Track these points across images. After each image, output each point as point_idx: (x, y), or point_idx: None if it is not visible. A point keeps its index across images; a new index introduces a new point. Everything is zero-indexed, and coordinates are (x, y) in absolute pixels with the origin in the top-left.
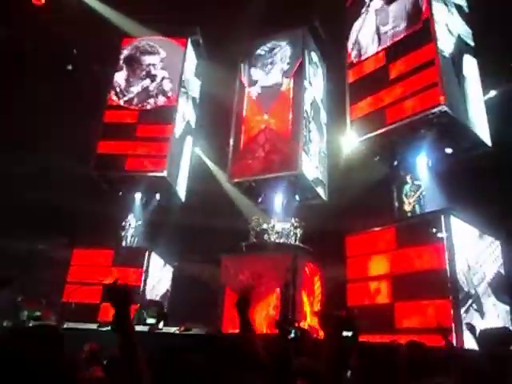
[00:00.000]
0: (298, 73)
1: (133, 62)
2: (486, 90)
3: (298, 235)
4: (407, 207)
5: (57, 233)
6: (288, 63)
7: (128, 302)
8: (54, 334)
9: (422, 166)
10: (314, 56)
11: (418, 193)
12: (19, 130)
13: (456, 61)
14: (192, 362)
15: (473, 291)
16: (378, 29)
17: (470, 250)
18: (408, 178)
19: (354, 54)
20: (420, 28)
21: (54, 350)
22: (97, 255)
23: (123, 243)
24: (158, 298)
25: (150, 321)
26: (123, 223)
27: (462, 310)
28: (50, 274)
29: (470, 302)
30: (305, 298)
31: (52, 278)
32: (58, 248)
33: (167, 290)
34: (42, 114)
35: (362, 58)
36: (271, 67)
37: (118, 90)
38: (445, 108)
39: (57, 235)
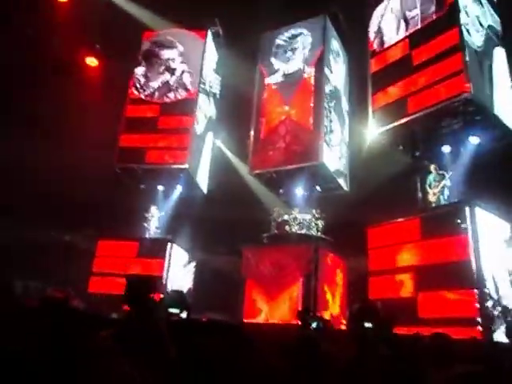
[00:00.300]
0: (318, 61)
1: (152, 57)
2: None
3: (320, 226)
4: (431, 198)
5: (83, 224)
6: (309, 51)
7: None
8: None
9: (447, 156)
10: (335, 44)
11: (442, 183)
12: (45, 123)
13: (483, 48)
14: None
15: (501, 286)
16: (404, 14)
17: (497, 242)
18: (432, 168)
19: (376, 42)
20: (445, 13)
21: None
22: (121, 246)
23: (146, 235)
24: (181, 289)
25: (173, 310)
26: (146, 215)
27: (490, 304)
28: (76, 265)
29: (497, 296)
30: (326, 289)
31: (79, 269)
32: (84, 239)
33: (190, 281)
34: (68, 107)
35: (385, 45)
36: (292, 55)
37: (138, 84)
38: (470, 96)
39: (83, 227)
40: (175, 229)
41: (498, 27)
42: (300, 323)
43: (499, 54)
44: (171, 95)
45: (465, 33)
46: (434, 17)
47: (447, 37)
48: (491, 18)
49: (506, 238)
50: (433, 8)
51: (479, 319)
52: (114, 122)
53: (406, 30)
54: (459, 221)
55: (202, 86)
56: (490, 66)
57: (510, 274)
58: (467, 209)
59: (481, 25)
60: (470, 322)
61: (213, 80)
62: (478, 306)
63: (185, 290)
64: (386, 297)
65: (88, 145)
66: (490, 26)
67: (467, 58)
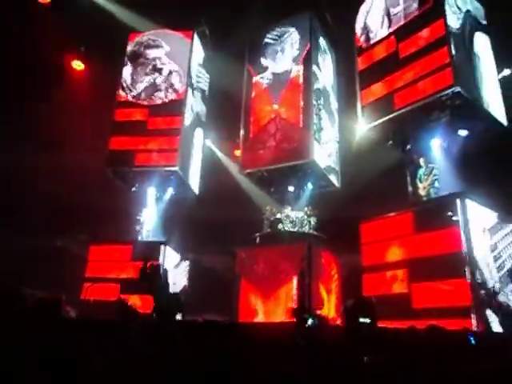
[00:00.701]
0: (306, 59)
1: (138, 57)
2: (499, 68)
3: (312, 223)
4: (422, 191)
5: (74, 229)
6: (296, 49)
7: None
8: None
9: (436, 150)
10: (322, 41)
11: (432, 176)
12: (36, 128)
13: (467, 39)
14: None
15: (493, 276)
16: (387, 10)
17: (488, 234)
18: (421, 162)
19: (362, 38)
20: (430, 7)
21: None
22: (113, 250)
23: (139, 238)
24: (176, 291)
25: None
26: (138, 218)
27: (483, 292)
28: (68, 270)
29: (491, 285)
30: (321, 286)
31: (71, 274)
32: (76, 244)
33: (185, 283)
34: (57, 112)
35: (372, 41)
36: (281, 54)
37: (125, 85)
38: (457, 89)
39: (74, 232)
40: (167, 230)
41: (479, 13)
42: (296, 321)
43: (483, 42)
44: (159, 95)
45: (448, 20)
46: (417, 13)
47: (433, 30)
48: (471, 4)
49: (493, 225)
50: (415, 5)
51: (473, 309)
52: (103, 124)
53: (389, 26)
54: (450, 213)
55: (189, 81)
56: (476, 55)
57: (495, 261)
58: (458, 201)
59: (458, 8)
60: (464, 312)
61: (201, 76)
62: (471, 294)
63: (178, 290)
64: (380, 291)
65: (78, 148)
66: (468, 11)
67: (453, 52)
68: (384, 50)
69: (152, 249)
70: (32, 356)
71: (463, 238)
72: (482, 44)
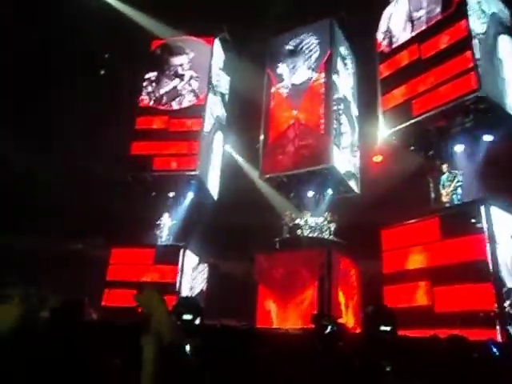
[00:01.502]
0: (326, 65)
1: (161, 64)
2: None
3: (332, 229)
4: (444, 198)
5: (95, 233)
6: (316, 57)
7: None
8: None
9: (460, 155)
10: (343, 47)
11: (455, 182)
12: (57, 132)
13: (491, 42)
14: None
15: None
16: (410, 15)
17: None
18: (444, 168)
19: (384, 43)
20: (453, 11)
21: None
22: (134, 254)
23: (158, 242)
24: (193, 295)
25: (187, 317)
26: (158, 222)
27: (507, 303)
28: (90, 274)
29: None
30: (340, 293)
31: (92, 278)
32: (97, 248)
33: (203, 287)
34: (80, 116)
35: (394, 46)
36: (299, 62)
37: (147, 91)
38: (481, 94)
39: (95, 236)
40: (187, 235)
41: (505, 15)
42: (314, 327)
43: (506, 44)
44: (180, 101)
45: (471, 23)
46: (440, 17)
47: (456, 32)
48: (495, 6)
49: None
50: (438, 9)
51: (496, 317)
52: (124, 130)
53: (412, 30)
54: (473, 220)
55: (209, 85)
56: (500, 59)
57: None
58: (482, 207)
59: (483, 12)
60: (488, 320)
61: (221, 80)
62: (495, 300)
63: (198, 296)
64: (402, 302)
65: (99, 154)
66: (493, 14)
67: (477, 56)
68: (406, 55)
69: (172, 252)
70: (54, 358)
71: (487, 245)
72: (506, 47)
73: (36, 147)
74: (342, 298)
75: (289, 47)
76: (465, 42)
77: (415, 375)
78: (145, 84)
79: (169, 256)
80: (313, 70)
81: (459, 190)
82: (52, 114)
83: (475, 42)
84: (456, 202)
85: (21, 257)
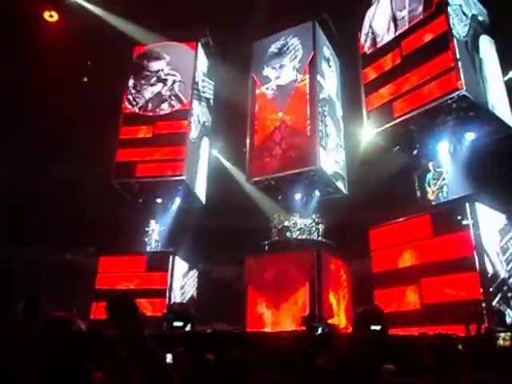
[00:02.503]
0: (310, 67)
1: (141, 70)
2: (505, 71)
3: (321, 230)
4: (430, 196)
5: (83, 242)
6: (300, 58)
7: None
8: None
9: (444, 153)
10: (326, 49)
11: (441, 180)
12: (41, 142)
13: (472, 42)
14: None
15: (504, 274)
16: (393, 14)
17: (499, 235)
18: (430, 166)
19: (367, 44)
20: (433, 11)
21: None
22: (123, 262)
23: (147, 249)
24: (184, 301)
25: (177, 323)
26: (146, 229)
27: (492, 288)
28: (78, 283)
29: (499, 280)
30: (331, 294)
31: (81, 287)
32: (85, 257)
33: (193, 293)
34: (63, 125)
35: (378, 45)
36: (283, 64)
37: (130, 97)
38: (463, 92)
39: (83, 245)
40: (175, 240)
41: (483, 17)
42: (305, 329)
43: (486, 44)
44: (165, 106)
45: (451, 24)
46: (421, 17)
47: (437, 32)
48: (475, 8)
49: (503, 227)
50: (420, 8)
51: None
52: (109, 137)
53: (395, 30)
54: (459, 217)
55: (195, 91)
56: (480, 58)
57: (508, 263)
58: (467, 204)
59: (464, 14)
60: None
61: (205, 85)
62: (481, 288)
63: (188, 301)
64: (392, 306)
65: (84, 162)
66: (474, 16)
67: (458, 55)
68: (389, 58)
69: (161, 259)
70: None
71: (474, 241)
72: (486, 47)
73: (22, 158)
74: (333, 299)
75: (272, 50)
76: (445, 41)
77: (406, 373)
78: (128, 91)
79: (159, 263)
80: (297, 71)
81: (445, 188)
82: (38, 125)
83: (456, 42)
84: (442, 200)
85: (8, 267)
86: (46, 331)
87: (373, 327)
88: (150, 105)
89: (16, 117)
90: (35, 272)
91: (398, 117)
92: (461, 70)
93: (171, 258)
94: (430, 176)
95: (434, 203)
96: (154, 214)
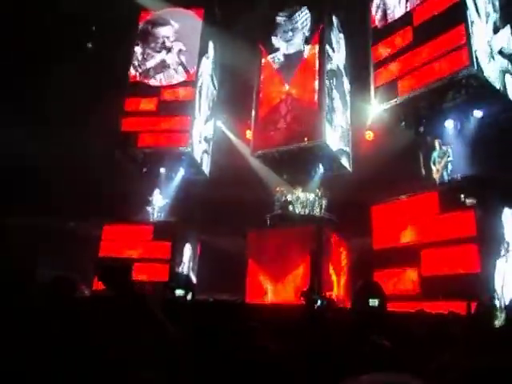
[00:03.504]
0: (319, 39)
1: (147, 36)
2: None
3: (323, 206)
4: (435, 174)
5: (86, 211)
6: (309, 29)
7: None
8: None
9: (450, 131)
10: (335, 20)
11: (446, 158)
12: (46, 108)
13: (485, 19)
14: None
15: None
16: None
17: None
18: (436, 144)
19: (378, 17)
20: None
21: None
22: (127, 230)
23: (150, 218)
24: (186, 271)
25: (179, 292)
26: (149, 199)
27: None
28: (82, 251)
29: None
30: (331, 269)
31: (85, 255)
32: (88, 225)
33: (195, 263)
34: (68, 93)
35: (388, 20)
36: (292, 35)
37: (135, 64)
38: (473, 70)
39: (86, 213)
40: (179, 211)
41: None
42: (305, 302)
43: (501, 21)
44: (170, 75)
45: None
46: None
47: (450, 10)
48: None
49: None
50: None
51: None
52: (113, 105)
53: (407, 1)
54: (463, 196)
55: (201, 61)
56: (493, 35)
57: None
58: (473, 184)
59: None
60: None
61: (211, 54)
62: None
63: (190, 272)
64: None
65: (88, 130)
66: None
67: (470, 29)
68: (400, 33)
69: (163, 229)
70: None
71: (477, 221)
72: (499, 23)
73: (26, 123)
74: (332, 274)
75: (281, 19)
76: (459, 18)
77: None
78: (134, 58)
79: (162, 233)
80: (305, 41)
81: (450, 166)
82: (40, 90)
83: (469, 15)
84: (446, 178)
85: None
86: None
87: (371, 302)
88: (155, 73)
89: (16, 80)
90: (38, 238)
91: (406, 93)
92: (473, 47)
93: (174, 227)
94: (435, 154)
95: (438, 181)
96: (157, 184)
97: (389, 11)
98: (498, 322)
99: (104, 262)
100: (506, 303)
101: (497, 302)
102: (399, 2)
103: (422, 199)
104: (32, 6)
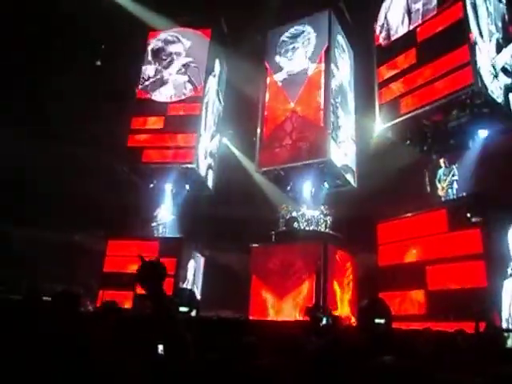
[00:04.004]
0: (325, 56)
1: (158, 53)
2: None
3: (328, 222)
4: (440, 192)
5: (93, 225)
6: (314, 47)
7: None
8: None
9: (455, 150)
10: (340, 39)
11: (451, 177)
12: (53, 120)
13: (488, 38)
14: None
15: None
16: (408, 7)
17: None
18: (441, 162)
19: (382, 35)
20: (449, 6)
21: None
22: (130, 246)
23: (155, 234)
24: (190, 286)
25: (183, 309)
26: (155, 214)
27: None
28: (86, 265)
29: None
30: (336, 286)
31: (89, 269)
32: (94, 239)
33: (200, 279)
34: (77, 106)
35: (392, 38)
36: (295, 53)
37: (144, 82)
38: (478, 88)
39: (93, 227)
40: (184, 227)
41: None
42: (309, 319)
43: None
44: (178, 92)
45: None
46: (436, 11)
47: (453, 30)
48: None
49: None
50: (434, 2)
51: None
52: (121, 122)
53: (409, 23)
54: (469, 215)
55: (208, 78)
56: (496, 52)
57: None
58: (478, 202)
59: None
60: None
61: (218, 73)
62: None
63: (195, 288)
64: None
65: (97, 145)
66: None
67: (473, 48)
68: (404, 54)
69: (168, 245)
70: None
71: (484, 239)
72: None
73: (32, 135)
74: (337, 291)
75: (286, 37)
76: (462, 37)
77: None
78: (142, 76)
79: (165, 248)
80: (311, 60)
81: (455, 185)
82: (49, 103)
83: (473, 35)
84: (451, 197)
85: (20, 245)
86: (55, 306)
87: (377, 320)
88: (163, 90)
89: (27, 92)
90: (43, 253)
91: (410, 111)
92: (476, 65)
93: (179, 243)
94: (441, 172)
95: (443, 199)
96: (162, 199)
97: (392, 31)
98: (509, 342)
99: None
100: None
101: (504, 322)
102: (402, 22)
103: (428, 217)
104: (45, 22)
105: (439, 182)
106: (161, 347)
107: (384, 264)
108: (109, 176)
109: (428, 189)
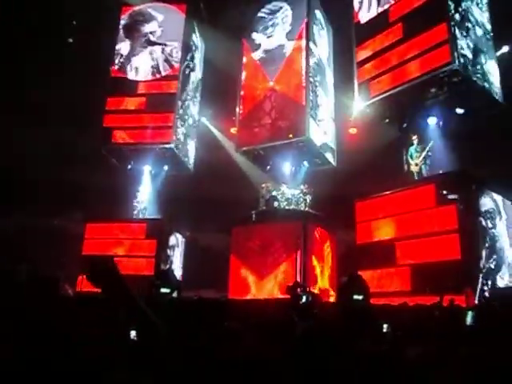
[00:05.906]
0: (303, 34)
1: (132, 31)
2: (498, 45)
3: (308, 201)
4: (413, 168)
5: (71, 208)
6: (291, 24)
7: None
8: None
9: (433, 127)
10: (319, 15)
11: (424, 153)
12: (28, 104)
13: (466, 16)
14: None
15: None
16: None
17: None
18: (414, 139)
19: (361, 12)
20: None
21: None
22: (110, 228)
23: (134, 216)
24: (172, 268)
25: (164, 290)
26: (134, 196)
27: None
28: (66, 249)
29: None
30: (315, 263)
31: (68, 252)
32: (73, 223)
33: (181, 260)
34: (50, 88)
35: (371, 15)
36: (273, 30)
37: (119, 61)
38: (455, 67)
39: (71, 210)
40: (164, 209)
41: None
42: (290, 298)
43: (482, 18)
44: (154, 71)
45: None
46: None
47: (433, 6)
48: None
49: (489, 208)
50: None
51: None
52: (97, 101)
53: None
54: (445, 192)
55: (185, 56)
56: (475, 32)
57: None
58: (455, 180)
59: None
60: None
61: (195, 49)
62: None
63: (176, 269)
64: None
65: (71, 126)
66: None
67: (452, 28)
68: (383, 32)
69: (148, 226)
70: (28, 334)
71: (459, 217)
72: (481, 20)
73: (6, 119)
74: (317, 268)
75: (265, 14)
76: (441, 15)
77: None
78: (116, 54)
79: (149, 230)
80: (288, 36)
81: (428, 161)
82: (23, 87)
83: (451, 16)
84: (425, 174)
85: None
86: (33, 290)
87: (355, 297)
88: (139, 69)
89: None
90: (23, 236)
91: (389, 90)
92: (454, 44)
93: (160, 225)
94: (412, 149)
95: (416, 176)
96: (141, 181)
97: (371, 7)
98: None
99: (90, 258)
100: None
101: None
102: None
103: (406, 195)
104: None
105: (411, 158)
106: (133, 333)
107: (362, 241)
108: (89, 159)
109: (406, 167)
